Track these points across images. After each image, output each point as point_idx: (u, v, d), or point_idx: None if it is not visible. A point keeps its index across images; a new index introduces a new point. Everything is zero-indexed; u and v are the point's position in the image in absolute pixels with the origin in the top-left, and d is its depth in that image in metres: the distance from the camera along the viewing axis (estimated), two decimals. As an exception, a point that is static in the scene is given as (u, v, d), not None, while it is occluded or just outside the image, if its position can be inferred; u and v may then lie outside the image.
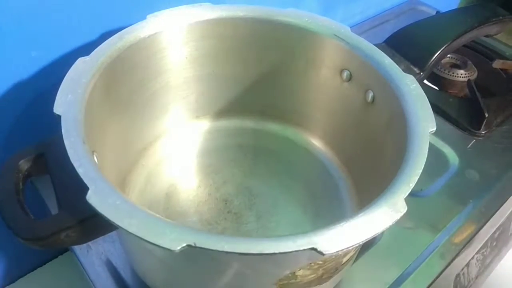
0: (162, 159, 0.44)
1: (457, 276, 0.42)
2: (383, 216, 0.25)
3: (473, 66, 0.56)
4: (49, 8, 0.35)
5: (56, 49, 0.38)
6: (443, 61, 0.56)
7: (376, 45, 0.38)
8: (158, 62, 0.39)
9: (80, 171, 0.25)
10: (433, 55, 0.44)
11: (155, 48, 0.38)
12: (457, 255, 0.39)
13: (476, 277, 0.46)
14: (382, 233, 0.25)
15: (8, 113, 0.39)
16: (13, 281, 0.49)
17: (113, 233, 0.29)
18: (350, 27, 0.40)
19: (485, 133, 0.50)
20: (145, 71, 0.39)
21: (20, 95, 0.38)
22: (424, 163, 0.28)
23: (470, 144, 0.50)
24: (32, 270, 0.49)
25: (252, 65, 0.44)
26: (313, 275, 0.29)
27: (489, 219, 0.43)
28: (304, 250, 0.23)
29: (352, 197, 0.42)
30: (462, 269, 0.42)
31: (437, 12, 0.70)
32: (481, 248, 0.44)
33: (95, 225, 0.27)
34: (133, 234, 0.23)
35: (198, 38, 0.41)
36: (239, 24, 0.41)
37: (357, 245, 0.24)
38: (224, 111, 0.47)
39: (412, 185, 0.27)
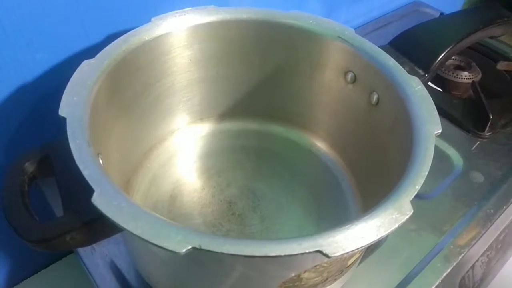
0: (166, 161, 0.44)
1: (462, 278, 0.41)
2: (389, 218, 0.25)
3: (477, 68, 0.56)
4: (54, 10, 0.36)
5: (61, 52, 0.38)
6: (447, 62, 0.56)
7: (380, 47, 0.38)
8: (162, 65, 0.40)
9: (85, 173, 0.25)
10: (438, 56, 0.44)
11: (159, 51, 0.38)
12: (462, 257, 0.39)
13: (481, 280, 0.46)
14: (387, 235, 0.25)
15: (13, 116, 0.39)
16: (17, 283, 0.49)
17: (118, 235, 0.29)
18: (354, 29, 0.40)
19: (489, 134, 0.50)
20: (149, 74, 0.39)
21: (25, 97, 0.38)
22: (429, 165, 0.28)
23: (475, 146, 0.49)
24: (37, 272, 0.49)
25: (256, 67, 0.44)
26: (318, 278, 0.28)
27: (494, 221, 0.42)
28: (310, 252, 0.23)
29: (356, 199, 0.42)
30: (467, 272, 0.42)
31: (441, 13, 0.70)
32: (486, 250, 0.44)
33: (100, 227, 0.27)
34: (138, 237, 0.23)
35: (202, 41, 0.41)
36: (243, 27, 0.41)
37: (363, 247, 0.24)
38: (228, 113, 0.47)
39: (418, 187, 0.27)
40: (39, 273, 0.49)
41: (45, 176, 0.31)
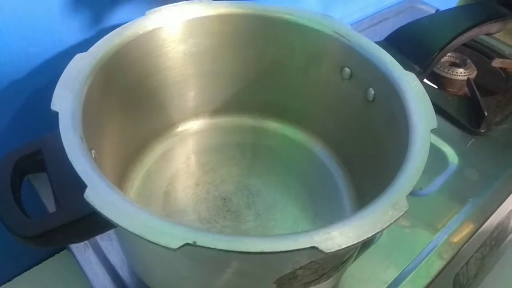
0: (160, 157, 0.44)
1: (456, 275, 0.42)
2: (384, 214, 0.25)
3: (473, 65, 0.56)
4: (46, 4, 0.35)
5: (54, 45, 0.38)
6: (442, 59, 0.56)
7: (376, 43, 0.38)
8: (156, 59, 0.39)
9: (77, 168, 0.25)
10: (435, 53, 0.44)
11: (153, 45, 0.38)
12: (456, 254, 0.39)
13: (475, 276, 0.46)
14: (382, 232, 0.25)
15: (5, 110, 0.38)
16: (9, 280, 0.48)
17: (111, 231, 0.29)
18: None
19: (484, 131, 0.50)
20: (143, 68, 0.38)
21: (18, 91, 0.38)
22: (425, 161, 0.28)
23: (470, 143, 0.50)
24: (29, 269, 0.49)
25: (251, 62, 0.44)
26: (313, 274, 0.28)
27: (488, 218, 0.43)
28: (305, 249, 0.23)
29: (351, 195, 0.42)
30: (461, 268, 0.42)
31: (437, 10, 0.70)
32: (480, 247, 0.44)
33: (92, 223, 0.26)
34: (132, 233, 0.22)
35: (197, 35, 0.40)
36: (238, 21, 0.41)
37: (358, 243, 0.24)
38: (223, 109, 0.47)
39: (413, 183, 0.27)
40: (31, 270, 0.49)
41: (37, 171, 0.31)
